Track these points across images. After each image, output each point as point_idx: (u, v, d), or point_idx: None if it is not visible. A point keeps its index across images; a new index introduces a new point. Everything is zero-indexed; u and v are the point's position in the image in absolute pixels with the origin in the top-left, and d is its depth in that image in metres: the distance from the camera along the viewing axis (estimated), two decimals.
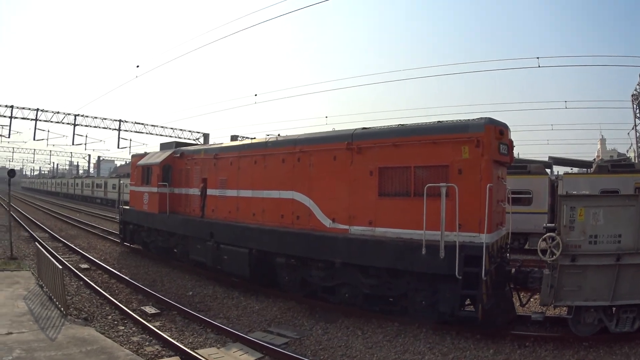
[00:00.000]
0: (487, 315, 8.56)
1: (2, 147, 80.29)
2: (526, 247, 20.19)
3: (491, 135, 8.87)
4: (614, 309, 8.34)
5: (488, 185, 8.48)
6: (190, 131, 43.28)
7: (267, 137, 13.15)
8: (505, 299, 9.68)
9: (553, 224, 8.83)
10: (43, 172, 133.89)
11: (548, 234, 8.29)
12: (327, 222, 10.89)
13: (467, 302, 9.26)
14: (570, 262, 8.20)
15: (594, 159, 43.88)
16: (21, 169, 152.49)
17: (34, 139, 42.05)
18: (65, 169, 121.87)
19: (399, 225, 9.58)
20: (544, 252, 8.37)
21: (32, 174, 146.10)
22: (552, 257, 8.15)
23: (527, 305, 10.16)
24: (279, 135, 13.01)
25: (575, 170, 30.00)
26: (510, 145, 9.73)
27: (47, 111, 38.60)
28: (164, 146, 18.46)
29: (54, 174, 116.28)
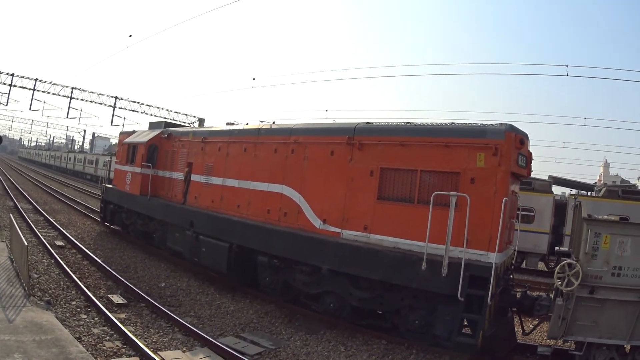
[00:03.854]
0: (486, 341, 7.60)
1: (1, 115, 79.32)
2: (523, 265, 19.38)
3: (511, 144, 7.88)
4: (627, 348, 7.50)
5: (504, 199, 7.51)
6: (185, 114, 42.26)
7: (261, 123, 12.09)
8: (506, 325, 8.75)
9: (567, 249, 7.89)
10: (40, 144, 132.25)
11: (567, 261, 7.32)
12: (317, 223, 9.88)
13: (464, 322, 8.29)
14: (588, 293, 7.25)
15: (595, 183, 43.22)
16: (20, 139, 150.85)
17: (30, 109, 41.49)
18: (62, 142, 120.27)
19: (398, 234, 8.57)
20: (558, 279, 7.44)
21: (29, 144, 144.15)
22: (570, 286, 7.19)
23: (529, 335, 9.25)
24: (273, 122, 11.94)
25: (574, 192, 29.22)
26: (529, 157, 8.77)
27: (44, 82, 37.82)
28: (152, 125, 17.40)
29: (50, 146, 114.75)
